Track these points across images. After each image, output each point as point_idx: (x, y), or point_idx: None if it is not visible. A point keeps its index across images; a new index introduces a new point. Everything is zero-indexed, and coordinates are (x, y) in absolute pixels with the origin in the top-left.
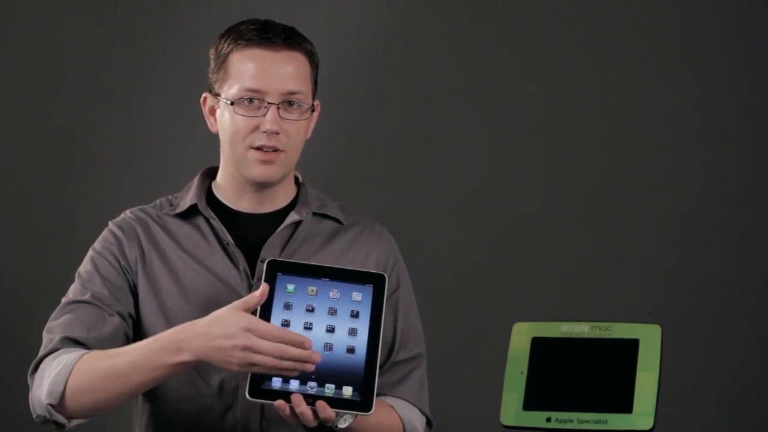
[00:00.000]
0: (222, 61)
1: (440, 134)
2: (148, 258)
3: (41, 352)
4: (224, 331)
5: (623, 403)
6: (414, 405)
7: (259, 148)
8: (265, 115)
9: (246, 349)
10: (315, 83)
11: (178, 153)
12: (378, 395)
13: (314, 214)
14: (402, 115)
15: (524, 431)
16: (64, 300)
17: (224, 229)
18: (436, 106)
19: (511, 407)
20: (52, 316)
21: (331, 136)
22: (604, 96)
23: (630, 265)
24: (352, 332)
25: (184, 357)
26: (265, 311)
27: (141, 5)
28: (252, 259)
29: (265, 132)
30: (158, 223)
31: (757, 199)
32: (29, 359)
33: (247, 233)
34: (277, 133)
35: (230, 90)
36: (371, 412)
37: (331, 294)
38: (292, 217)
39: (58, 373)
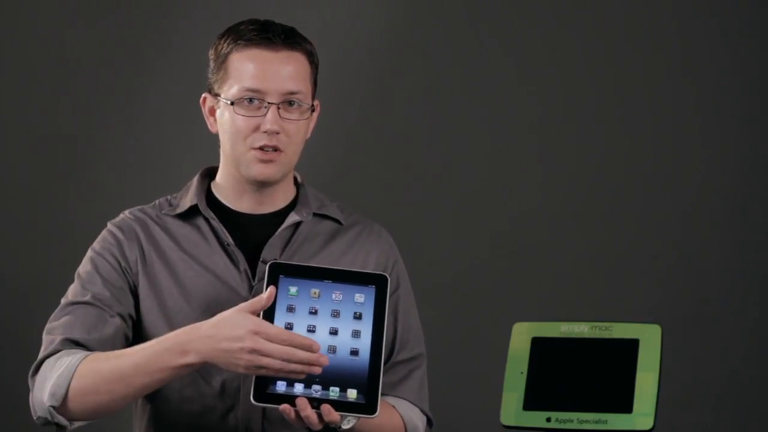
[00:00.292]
0: (222, 61)
1: (440, 134)
2: (148, 258)
3: (41, 354)
4: (231, 334)
5: (623, 403)
6: (415, 404)
7: (259, 148)
8: (265, 115)
9: (253, 351)
10: (315, 83)
11: (178, 153)
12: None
13: (314, 214)
14: (402, 115)
15: (524, 431)
16: (63, 301)
17: (224, 230)
18: (436, 107)
19: (511, 407)
20: (52, 317)
21: (331, 136)
22: (604, 96)
23: (630, 265)
24: (356, 334)
25: (190, 359)
26: (268, 314)
27: (142, 6)
28: (252, 260)
29: (265, 132)
30: (158, 223)
31: (757, 199)
32: (29, 359)
33: (247, 234)
34: (278, 133)
35: (230, 90)
36: (376, 414)
37: (333, 296)
38: (293, 217)
39: (61, 375)
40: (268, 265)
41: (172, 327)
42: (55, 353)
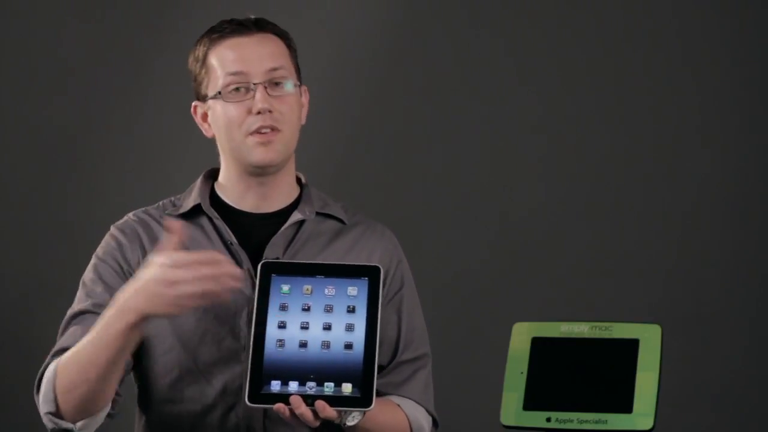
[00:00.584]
0: (202, 62)
1: (440, 135)
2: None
3: (40, 371)
4: (147, 275)
5: (623, 403)
6: (420, 404)
7: (256, 132)
8: (254, 97)
9: (167, 283)
10: (297, 67)
11: (180, 153)
12: (384, 395)
13: (317, 213)
14: (402, 115)
15: (524, 431)
16: (69, 312)
17: (227, 229)
18: (437, 106)
19: (511, 407)
20: (59, 332)
21: (331, 136)
22: (604, 96)
23: (630, 265)
24: (349, 328)
25: (131, 317)
26: (261, 315)
27: (142, 6)
28: (255, 259)
29: (258, 113)
30: (161, 224)
31: (757, 199)
32: (29, 359)
33: (251, 233)
34: (270, 111)
35: (216, 83)
36: (371, 407)
37: (326, 291)
38: (296, 216)
39: (47, 381)
40: (259, 265)
41: (174, 328)
42: (47, 367)
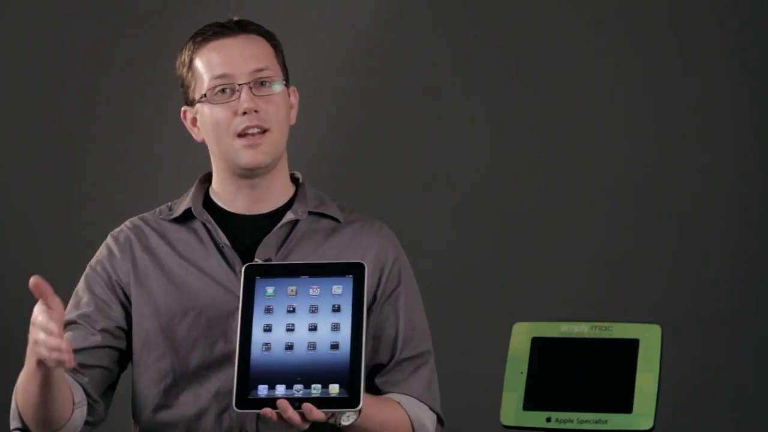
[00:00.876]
0: (188, 66)
1: (440, 134)
2: (141, 267)
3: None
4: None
5: (623, 403)
6: (422, 401)
7: (244, 134)
8: (239, 98)
9: (35, 342)
10: (284, 66)
11: (181, 155)
12: (385, 393)
13: (313, 213)
14: (402, 114)
15: (524, 431)
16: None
17: (219, 231)
18: (436, 106)
19: (511, 407)
20: None
21: (331, 136)
22: (604, 96)
23: (630, 265)
24: (335, 327)
25: (32, 358)
26: (246, 318)
27: (142, 6)
28: (249, 261)
29: (244, 113)
30: (155, 229)
31: (757, 199)
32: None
33: (244, 235)
34: (256, 111)
35: (203, 86)
36: (359, 407)
37: (311, 291)
38: (288, 216)
39: (14, 397)
40: (243, 269)
41: (166, 334)
42: None
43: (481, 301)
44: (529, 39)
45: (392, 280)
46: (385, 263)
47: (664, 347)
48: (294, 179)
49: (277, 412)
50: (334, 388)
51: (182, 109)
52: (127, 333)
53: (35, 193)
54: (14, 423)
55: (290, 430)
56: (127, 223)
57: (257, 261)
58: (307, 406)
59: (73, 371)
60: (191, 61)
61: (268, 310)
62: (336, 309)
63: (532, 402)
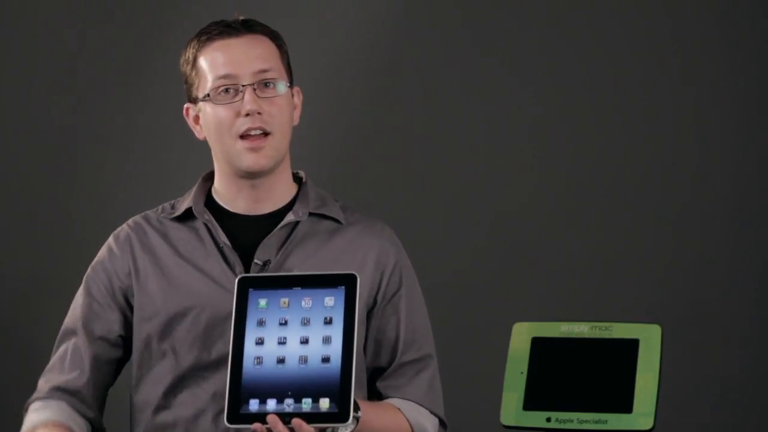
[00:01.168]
0: (192, 65)
1: (439, 134)
2: (141, 268)
3: (33, 396)
4: None
5: (623, 403)
6: (423, 406)
7: (246, 136)
8: (243, 99)
9: None
10: (289, 68)
11: (183, 153)
12: (386, 398)
13: (314, 214)
14: (401, 114)
15: (524, 431)
16: (63, 324)
17: (220, 231)
18: (436, 106)
19: (511, 407)
20: (55, 344)
21: (331, 136)
22: (603, 96)
23: (630, 265)
24: (326, 340)
25: None
26: (238, 331)
27: (143, 6)
28: (249, 261)
29: (247, 115)
30: (156, 228)
31: (757, 198)
32: (29, 359)
33: (244, 235)
34: (259, 113)
35: (206, 85)
36: (348, 422)
37: (303, 303)
38: (288, 218)
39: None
40: (236, 280)
41: (168, 333)
42: (38, 399)
43: (481, 301)
44: (526, 39)
45: (393, 283)
46: (386, 266)
47: (664, 347)
48: (297, 178)
49: (267, 428)
50: (324, 403)
51: (185, 106)
52: (125, 338)
53: (35, 193)
54: None
55: None
56: (129, 221)
57: (256, 262)
58: (297, 422)
59: (77, 401)
60: (195, 59)
61: (261, 323)
62: (328, 321)
63: (532, 402)
